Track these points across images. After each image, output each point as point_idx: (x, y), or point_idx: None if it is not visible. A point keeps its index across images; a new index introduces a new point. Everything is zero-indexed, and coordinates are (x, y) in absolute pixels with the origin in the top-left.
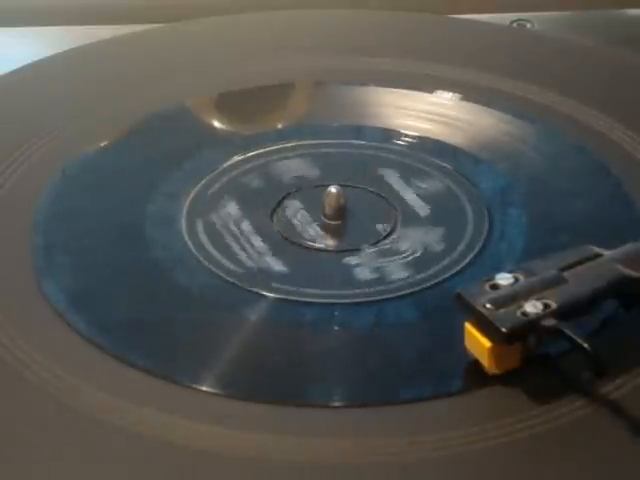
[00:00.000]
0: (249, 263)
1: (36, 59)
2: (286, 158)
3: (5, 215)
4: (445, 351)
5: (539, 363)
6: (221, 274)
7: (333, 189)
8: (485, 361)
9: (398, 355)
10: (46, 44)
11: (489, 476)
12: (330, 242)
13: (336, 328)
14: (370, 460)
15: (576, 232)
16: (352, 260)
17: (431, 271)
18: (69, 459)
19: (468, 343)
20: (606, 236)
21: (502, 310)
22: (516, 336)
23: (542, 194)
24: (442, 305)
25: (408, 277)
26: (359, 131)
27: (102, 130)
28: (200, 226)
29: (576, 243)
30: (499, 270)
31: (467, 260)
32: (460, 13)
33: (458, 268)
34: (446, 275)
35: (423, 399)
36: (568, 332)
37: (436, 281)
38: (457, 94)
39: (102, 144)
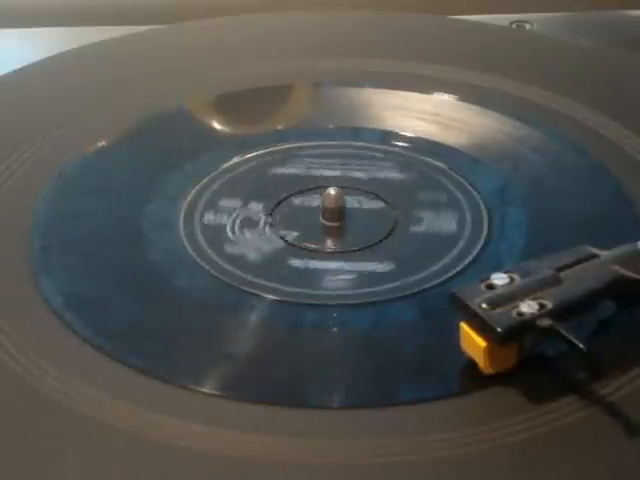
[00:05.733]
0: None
1: (36, 60)
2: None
3: (4, 216)
4: (445, 352)
5: (538, 364)
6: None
7: (332, 190)
8: (480, 361)
9: (397, 356)
10: (46, 45)
11: (488, 477)
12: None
13: (335, 329)
14: (369, 461)
15: (575, 233)
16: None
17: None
18: (67, 460)
19: (464, 343)
20: (605, 237)
21: (498, 310)
22: (511, 336)
23: (541, 195)
24: (441, 306)
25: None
26: (358, 132)
27: (101, 131)
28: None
29: (575, 244)
30: (498, 271)
31: (466, 261)
32: (460, 14)
33: (457, 269)
34: (445, 276)
35: (422, 400)
36: (563, 332)
37: (435, 282)
38: (456, 95)
39: (101, 145)
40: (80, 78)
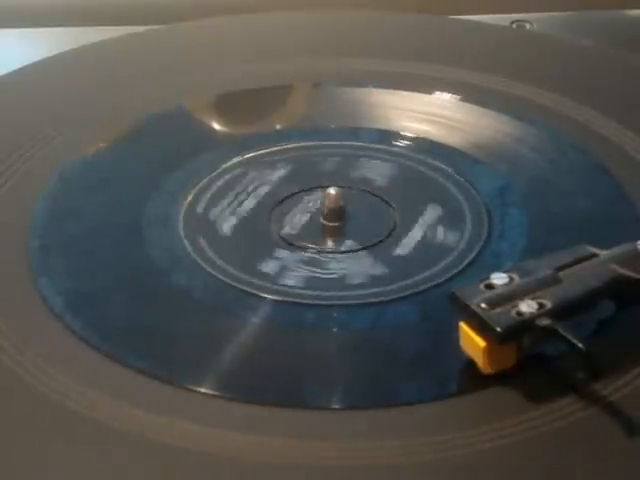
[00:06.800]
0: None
1: (36, 59)
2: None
3: (3, 217)
4: (444, 353)
5: (537, 364)
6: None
7: (332, 190)
8: (480, 361)
9: (397, 357)
10: (46, 44)
11: (488, 477)
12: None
13: (335, 330)
14: (369, 462)
15: (576, 233)
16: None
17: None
18: (67, 460)
19: (463, 343)
20: (606, 237)
21: (497, 309)
22: (511, 335)
23: (541, 195)
24: (441, 306)
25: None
26: (357, 132)
27: (100, 131)
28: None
29: (575, 244)
30: (497, 271)
31: (466, 261)
32: (460, 13)
33: (457, 269)
34: (445, 276)
35: (422, 401)
36: (562, 332)
37: (435, 282)
38: (456, 95)
39: (100, 145)
40: (80, 78)
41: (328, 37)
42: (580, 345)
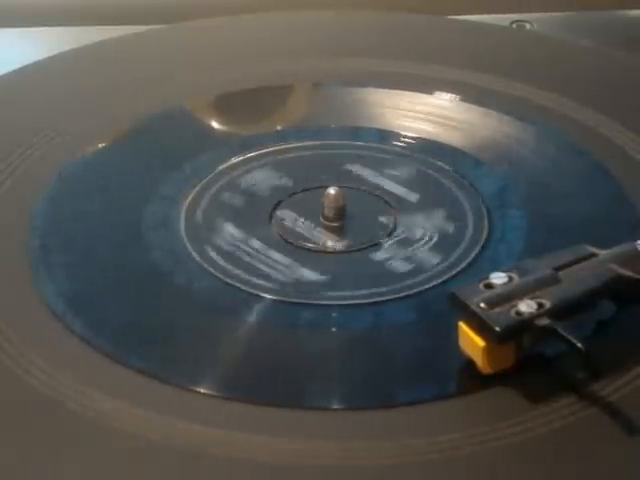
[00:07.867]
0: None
1: (36, 59)
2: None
3: (3, 217)
4: (444, 353)
5: (536, 364)
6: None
7: (332, 190)
8: (479, 360)
9: (396, 357)
10: (46, 44)
11: (487, 478)
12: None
13: (334, 330)
14: (368, 462)
15: (575, 234)
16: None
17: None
18: (67, 461)
19: (462, 342)
20: (606, 238)
21: (496, 309)
22: (510, 335)
23: (542, 196)
24: (441, 307)
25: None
26: (358, 132)
27: (100, 131)
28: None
29: (575, 245)
30: (497, 271)
31: (466, 262)
32: (460, 13)
33: (457, 270)
34: (445, 277)
35: (421, 401)
36: (561, 331)
37: (435, 283)
38: (456, 95)
39: (100, 145)
40: (80, 78)
41: (328, 37)
42: (579, 345)
